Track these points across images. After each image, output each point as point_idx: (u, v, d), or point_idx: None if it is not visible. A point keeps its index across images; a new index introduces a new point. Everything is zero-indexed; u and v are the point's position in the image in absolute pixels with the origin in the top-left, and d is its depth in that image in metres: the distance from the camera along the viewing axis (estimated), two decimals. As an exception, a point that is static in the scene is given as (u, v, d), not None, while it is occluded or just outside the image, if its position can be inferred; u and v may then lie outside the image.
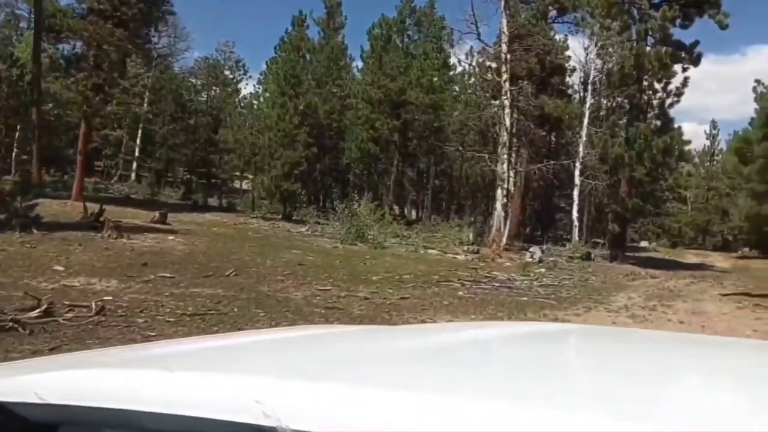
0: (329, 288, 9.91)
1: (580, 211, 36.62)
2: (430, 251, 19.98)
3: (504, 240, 24.21)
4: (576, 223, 31.53)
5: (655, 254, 34.18)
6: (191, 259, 12.22)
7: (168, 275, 9.80)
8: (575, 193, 31.26)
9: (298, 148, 28.36)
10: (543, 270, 16.97)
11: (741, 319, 10.17)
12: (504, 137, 24.31)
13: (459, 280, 12.63)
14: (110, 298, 7.34)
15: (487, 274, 14.59)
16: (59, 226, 14.83)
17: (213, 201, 35.30)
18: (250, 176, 34.84)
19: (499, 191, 24.32)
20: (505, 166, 24.20)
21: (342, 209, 21.01)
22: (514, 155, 30.01)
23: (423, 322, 7.39)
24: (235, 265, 11.83)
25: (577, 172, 30.40)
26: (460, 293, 10.50)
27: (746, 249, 41.12)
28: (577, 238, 30.77)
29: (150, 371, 0.84)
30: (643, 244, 41.25)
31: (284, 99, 28.93)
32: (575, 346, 1.57)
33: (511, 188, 24.74)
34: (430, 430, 0.64)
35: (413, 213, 44.95)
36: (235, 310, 7.18)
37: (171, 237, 15.56)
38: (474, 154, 25.85)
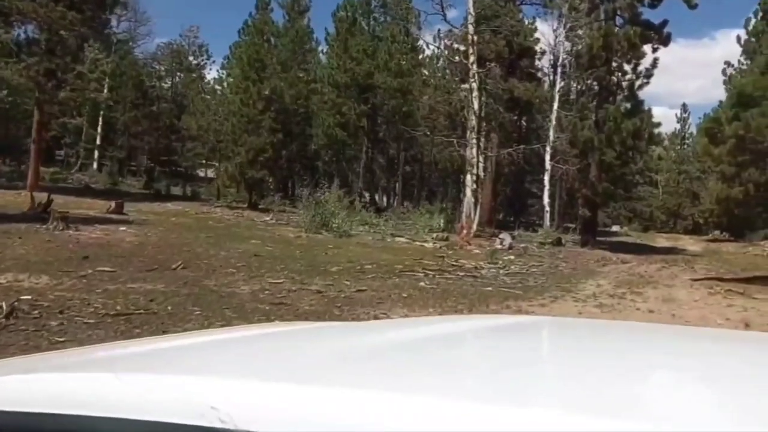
0: (282, 281, 9.32)
1: (551, 197, 36.30)
2: (398, 239, 19.43)
3: (474, 226, 23.74)
4: (547, 208, 31.16)
5: (626, 238, 34.02)
6: (139, 251, 11.54)
7: (108, 269, 9.14)
8: (546, 178, 30.85)
9: (262, 134, 27.59)
10: (512, 257, 16.51)
11: (713, 307, 9.76)
12: (472, 121, 23.78)
13: (423, 269, 12.09)
14: (30, 297, 6.68)
15: (454, 263, 14.07)
16: (5, 218, 14.05)
17: (177, 190, 34.42)
18: (215, 164, 34.03)
19: (468, 177, 23.81)
20: (474, 151, 23.69)
21: (307, 197, 20.34)
22: (483, 140, 29.54)
23: (377, 317, 6.84)
24: (186, 257, 11.18)
25: (547, 157, 29.99)
26: (422, 284, 9.95)
27: (717, 232, 41.13)
28: (548, 223, 30.41)
29: (94, 374, 0.82)
30: (615, 228, 41.17)
31: (247, 84, 28.12)
32: (543, 338, 1.54)
33: (481, 174, 24.24)
34: (394, 430, 0.63)
35: (384, 200, 44.45)
36: (169, 308, 6.56)
37: (123, 228, 14.82)
38: (443, 139, 25.27)
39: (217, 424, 0.64)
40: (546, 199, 31.20)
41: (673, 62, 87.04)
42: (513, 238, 24.01)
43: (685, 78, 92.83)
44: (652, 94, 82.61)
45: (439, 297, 8.82)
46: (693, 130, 57.36)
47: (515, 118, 35.80)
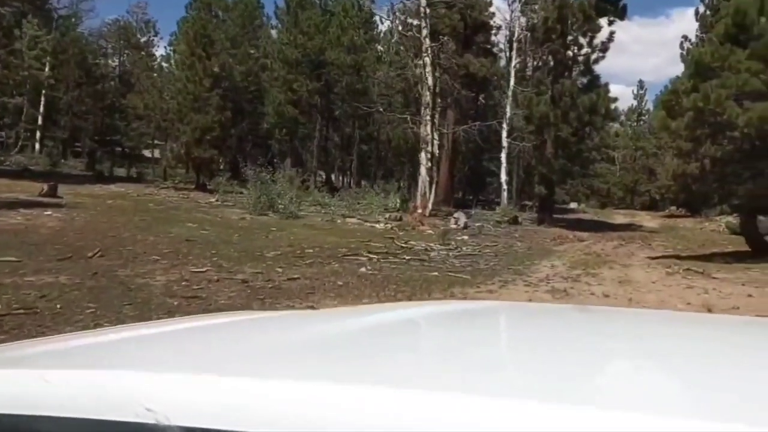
0: (206, 269, 8.47)
1: (509, 174, 35.82)
2: (349, 220, 18.66)
3: (430, 206, 23.10)
4: (504, 186, 30.66)
5: (584, 215, 33.78)
6: (57, 237, 10.56)
7: (13, 259, 8.18)
8: (503, 155, 30.32)
9: (209, 112, 26.45)
10: (465, 237, 15.87)
11: (672, 289, 9.21)
12: (427, 97, 23.04)
13: (369, 253, 11.34)
14: None
15: (404, 245, 13.36)
16: None
17: (123, 171, 33.09)
18: (164, 143, 32.76)
19: (423, 155, 23.11)
20: (428, 128, 22.97)
21: (253, 177, 19.39)
22: (438, 117, 28.84)
23: (302, 309, 6.08)
24: (109, 243, 10.25)
25: (504, 134, 29.43)
26: (363, 270, 9.19)
27: (673, 208, 41.21)
28: (506, 201, 29.93)
29: (20, 371, 0.80)
30: (573, 205, 40.94)
31: (193, 60, 26.90)
32: (499, 324, 1.50)
33: (436, 151, 23.54)
34: (333, 422, 0.61)
35: (341, 180, 43.62)
36: (58, 306, 5.69)
37: (48, 212, 13.76)
38: (396, 116, 24.49)
39: (147, 418, 0.62)
40: (503, 177, 30.71)
41: (630, 41, 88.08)
42: (469, 217, 23.45)
43: (641, 56, 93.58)
44: (609, 72, 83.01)
45: (379, 285, 8.07)
46: (650, 106, 57.62)
47: (472, 95, 35.18)
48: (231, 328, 1.28)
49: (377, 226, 17.14)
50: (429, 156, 23.04)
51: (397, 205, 24.60)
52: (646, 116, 58.63)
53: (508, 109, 28.22)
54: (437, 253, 12.23)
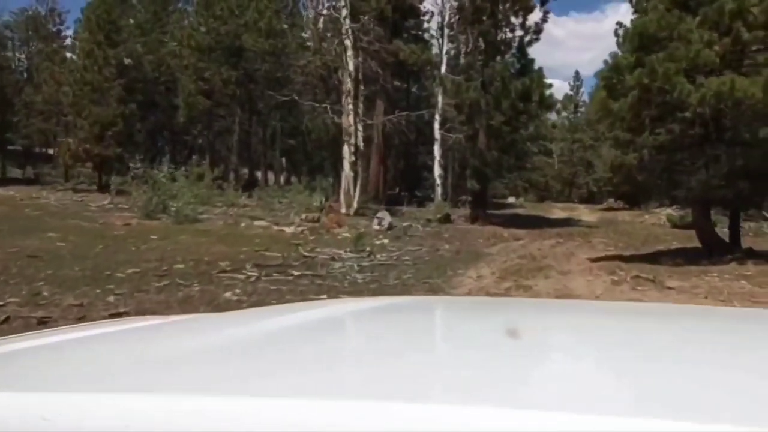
0: (11, 300, 6.27)
1: (444, 168, 34.10)
2: (257, 223, 16.49)
3: (355, 204, 21.13)
4: (438, 181, 28.95)
5: (521, 210, 32.27)
6: None
7: None
8: (436, 148, 28.59)
9: (111, 104, 23.88)
10: (386, 241, 13.91)
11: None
12: (348, 84, 21.02)
13: (255, 267, 9.24)
14: None
15: (307, 254, 11.30)
16: None
17: (20, 172, 30.11)
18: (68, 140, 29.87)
19: (345, 148, 21.10)
20: (351, 118, 20.96)
21: (141, 176, 17.04)
22: (364, 107, 26.83)
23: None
24: None
25: (436, 125, 27.65)
26: (228, 295, 7.05)
27: (611, 200, 40.28)
28: (440, 197, 28.20)
29: None
30: (511, 200, 39.56)
31: (92, 47, 24.26)
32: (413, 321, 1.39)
33: (360, 144, 21.55)
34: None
35: (268, 177, 41.26)
36: None
37: None
38: (314, 105, 22.35)
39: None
40: (437, 172, 28.98)
41: (566, 36, 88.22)
42: (398, 215, 21.60)
43: (577, 51, 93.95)
44: (545, 67, 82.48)
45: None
46: (586, 98, 56.96)
47: (403, 85, 33.29)
48: (122, 337, 1.13)
49: (287, 229, 15.03)
50: (352, 149, 21.04)
51: (321, 203, 22.60)
52: (583, 107, 58.03)
53: (439, 99, 26.41)
54: (342, 264, 10.20)
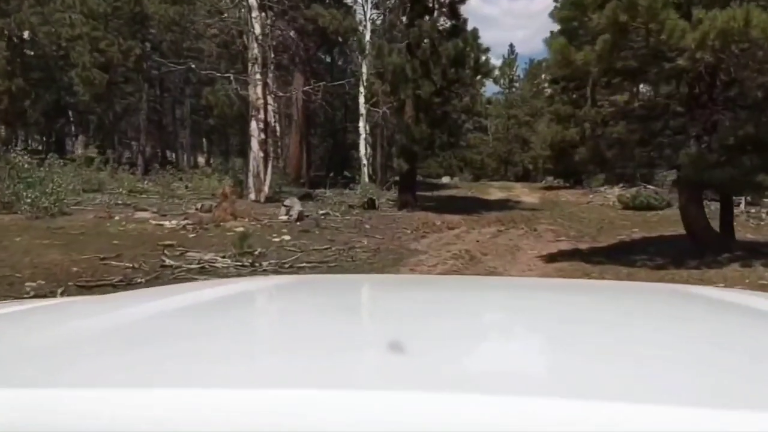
0: None
1: (373, 147, 31.40)
2: (139, 215, 13.47)
3: (266, 189, 18.27)
4: (364, 161, 26.18)
5: (456, 191, 29.88)
6: None
7: None
8: (361, 124, 25.81)
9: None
10: (287, 237, 11.11)
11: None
12: (254, 50, 18.03)
13: (76, 283, 6.39)
14: None
15: (172, 260, 8.48)
16: None
17: None
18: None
19: (253, 124, 18.15)
20: (259, 90, 17.99)
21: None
22: (281, 81, 23.83)
23: None
24: None
25: (361, 99, 24.85)
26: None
27: (550, 178, 38.46)
28: (366, 180, 25.49)
29: None
30: (445, 179, 37.17)
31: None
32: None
33: (271, 120, 18.62)
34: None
35: (186, 158, 37.83)
36: None
37: None
38: (214, 75, 19.28)
39: None
40: (362, 151, 26.23)
41: (500, 14, 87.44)
42: (319, 200, 18.93)
43: (511, 29, 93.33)
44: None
45: None
46: (521, 73, 55.22)
47: (324, 56, 30.40)
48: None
49: (168, 224, 12.05)
50: (261, 126, 18.11)
51: (233, 188, 19.71)
52: (518, 83, 56.19)
53: (364, 69, 23.57)
54: (209, 277, 7.39)
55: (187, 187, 21.17)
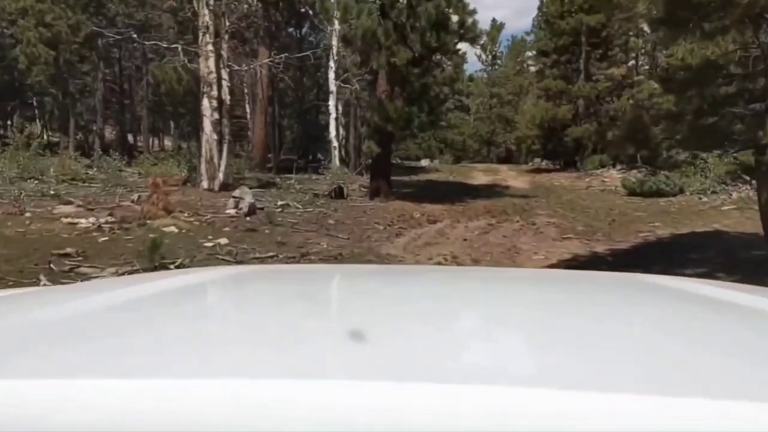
0: None
1: (345, 128, 29.09)
2: (59, 209, 11.05)
3: (220, 176, 15.95)
4: (335, 143, 23.77)
5: (437, 175, 27.65)
6: None
7: None
8: (331, 102, 23.42)
9: None
10: (223, 241, 8.78)
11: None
12: (205, 17, 15.59)
13: None
14: None
15: (57, 277, 6.19)
16: None
17: None
18: None
19: (205, 102, 15.74)
20: (211, 63, 15.58)
21: None
22: (245, 56, 21.40)
23: None
24: None
25: (331, 74, 22.47)
26: None
27: (537, 160, 36.44)
28: (337, 164, 23.17)
29: None
30: (424, 162, 34.93)
31: None
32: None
33: (226, 97, 16.23)
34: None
35: (151, 142, 35.27)
36: None
37: None
38: (159, 46, 16.76)
39: None
40: (332, 132, 23.82)
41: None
42: (284, 188, 16.75)
43: (490, 8, 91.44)
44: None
45: None
46: (503, 49, 53.19)
47: (293, 29, 27.93)
48: None
49: (83, 222, 9.68)
50: (215, 104, 15.72)
51: (186, 174, 17.42)
52: (501, 60, 54.05)
53: (334, 41, 21.17)
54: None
55: (140, 174, 18.83)
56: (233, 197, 12.10)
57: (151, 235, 8.84)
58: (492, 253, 9.36)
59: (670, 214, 14.37)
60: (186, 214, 11.04)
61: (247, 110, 30.50)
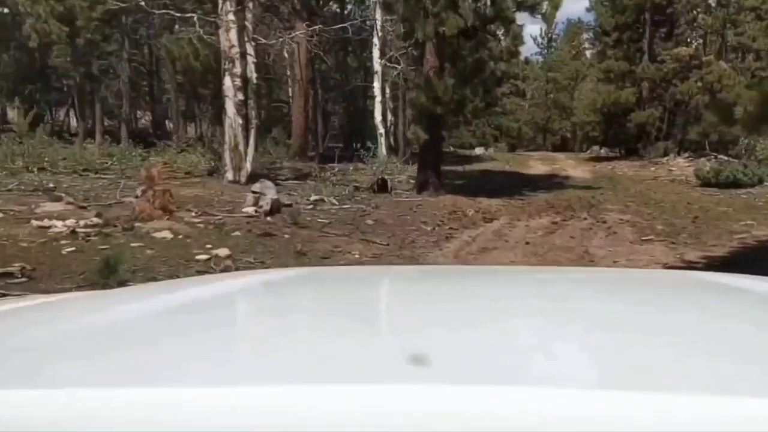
0: None
1: (393, 113, 27.08)
2: (45, 207, 9.30)
3: (248, 165, 14.17)
4: (380, 129, 21.88)
5: (491, 164, 25.42)
6: None
7: None
8: (376, 84, 21.49)
9: None
10: (225, 252, 6.84)
11: None
12: (227, -17, 13.70)
13: None
14: None
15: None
16: None
17: None
18: None
19: (227, 81, 13.89)
20: (233, 35, 13.70)
21: None
22: (252, 19, 19.47)
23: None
24: None
25: (375, 52, 20.47)
26: None
27: (596, 147, 33.94)
28: (384, 152, 21.21)
29: None
30: (478, 151, 32.62)
31: None
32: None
33: (252, 75, 14.35)
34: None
35: (188, 128, 33.80)
36: None
37: None
38: (173, 16, 14.94)
39: None
40: (377, 117, 21.88)
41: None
42: (321, 179, 14.96)
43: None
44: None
45: None
46: (559, 32, 50.48)
47: (335, 3, 25.94)
48: None
49: (58, 225, 7.85)
50: (239, 84, 13.86)
51: (212, 164, 15.69)
52: (557, 41, 51.29)
53: (378, 15, 19.13)
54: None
55: (165, 163, 17.18)
56: (252, 192, 10.19)
57: (133, 244, 6.98)
58: (560, 261, 7.29)
59: (760, 209, 12.16)
60: (193, 213, 9.20)
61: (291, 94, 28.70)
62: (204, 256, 6.51)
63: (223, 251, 6.71)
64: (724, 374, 0.64)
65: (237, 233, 7.99)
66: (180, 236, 7.52)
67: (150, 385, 0.58)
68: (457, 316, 0.94)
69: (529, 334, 0.87)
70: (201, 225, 8.29)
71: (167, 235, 7.51)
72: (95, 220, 8.15)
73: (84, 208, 9.54)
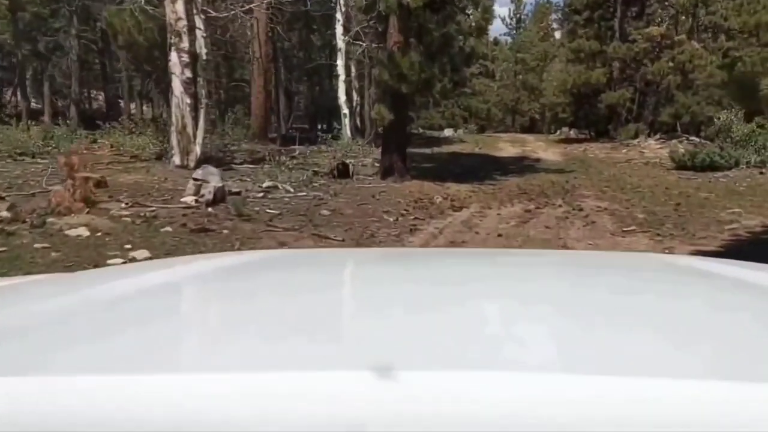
0: None
1: (359, 93, 25.98)
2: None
3: (197, 149, 13.05)
4: (344, 110, 20.82)
5: (461, 146, 24.50)
6: None
7: None
8: (339, 62, 20.41)
9: None
10: (144, 254, 5.82)
11: None
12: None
13: None
14: None
15: None
16: None
17: None
18: None
19: (174, 57, 12.72)
20: (179, 6, 12.51)
21: None
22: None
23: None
24: None
25: (338, 28, 19.38)
26: None
27: (565, 129, 33.23)
28: (349, 134, 20.19)
29: None
30: (447, 132, 31.70)
31: None
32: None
33: (202, 51, 13.18)
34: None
35: (139, 109, 32.30)
36: None
37: None
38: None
39: None
40: (341, 97, 20.81)
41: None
42: (277, 163, 13.91)
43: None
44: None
45: None
46: (528, 13, 49.87)
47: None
48: None
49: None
50: (186, 59, 12.70)
51: (161, 148, 14.53)
52: (526, 22, 50.51)
53: (340, -11, 18.01)
54: None
55: (111, 146, 15.95)
56: (193, 180, 9.09)
57: (37, 245, 5.90)
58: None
59: (743, 195, 11.43)
60: (123, 205, 8.10)
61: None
62: (118, 261, 5.46)
63: (142, 253, 5.66)
64: (690, 357, 0.64)
65: (168, 228, 6.93)
66: (98, 233, 6.45)
67: (109, 373, 0.55)
68: (426, 300, 0.91)
69: (498, 318, 0.84)
70: (128, 219, 7.20)
71: (83, 232, 6.43)
72: (4, 214, 7.03)
73: (1, 198, 8.39)
